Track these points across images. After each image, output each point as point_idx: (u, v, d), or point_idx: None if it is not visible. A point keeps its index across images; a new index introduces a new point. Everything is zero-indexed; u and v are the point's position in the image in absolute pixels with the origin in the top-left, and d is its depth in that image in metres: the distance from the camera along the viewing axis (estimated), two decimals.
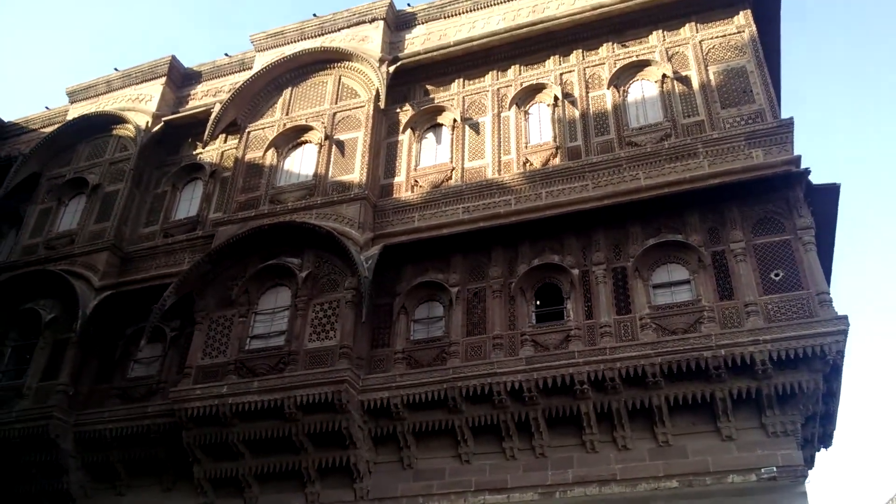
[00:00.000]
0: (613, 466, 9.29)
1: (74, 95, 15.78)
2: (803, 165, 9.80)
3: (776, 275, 9.45)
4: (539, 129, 11.88)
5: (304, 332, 10.78)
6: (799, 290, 9.22)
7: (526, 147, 11.68)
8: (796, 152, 9.96)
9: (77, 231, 13.48)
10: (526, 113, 12.12)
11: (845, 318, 8.73)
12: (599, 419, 9.50)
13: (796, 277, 9.34)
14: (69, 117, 15.27)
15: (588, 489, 8.96)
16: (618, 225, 10.53)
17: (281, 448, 10.37)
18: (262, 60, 14.08)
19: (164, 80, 15.08)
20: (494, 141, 11.91)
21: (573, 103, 11.83)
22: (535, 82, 12.23)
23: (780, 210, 9.86)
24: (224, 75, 15.07)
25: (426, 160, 12.27)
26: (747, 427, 9.00)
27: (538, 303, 10.66)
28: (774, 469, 8.29)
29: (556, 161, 11.30)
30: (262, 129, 13.35)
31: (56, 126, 15.26)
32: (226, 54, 15.29)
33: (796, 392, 8.79)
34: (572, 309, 10.13)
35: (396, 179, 12.19)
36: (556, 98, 11.87)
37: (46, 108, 16.84)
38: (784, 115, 11.03)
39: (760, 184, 9.90)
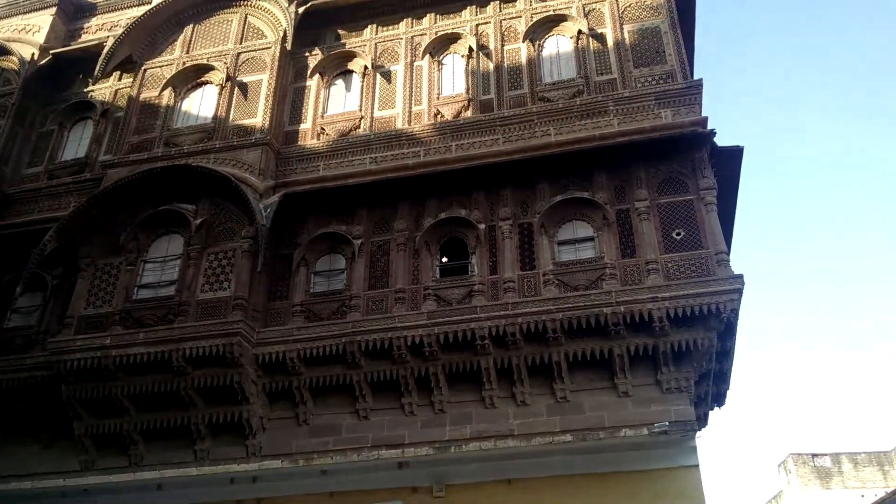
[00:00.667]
0: (511, 422, 9.21)
1: None
2: (710, 127, 9.83)
3: (678, 234, 9.48)
4: (452, 80, 11.54)
5: (196, 283, 10.21)
6: (698, 250, 9.29)
7: (438, 98, 11.33)
8: (704, 114, 9.99)
9: None
10: (440, 63, 11.74)
11: (741, 277, 8.84)
12: (500, 375, 9.39)
13: (697, 237, 9.40)
14: None
15: (483, 444, 8.83)
16: (526, 181, 10.35)
17: (169, 403, 9.85)
18: None
19: (54, 10, 14.00)
20: (406, 90, 11.50)
21: (488, 55, 11.53)
22: (450, 32, 11.86)
23: (685, 170, 9.88)
24: (121, 8, 14.09)
25: (334, 107, 11.76)
26: (643, 383, 9.06)
27: (445, 260, 10.42)
28: (666, 424, 8.36)
29: (468, 114, 11.01)
30: (160, 67, 12.52)
31: None
32: None
33: (691, 349, 8.88)
34: (477, 264, 9.93)
35: (302, 126, 11.65)
36: (470, 49, 11.54)
37: None
38: (696, 76, 11.08)
39: (667, 143, 9.88)
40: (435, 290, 9.82)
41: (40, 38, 13.53)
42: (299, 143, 11.41)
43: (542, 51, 11.41)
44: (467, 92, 11.20)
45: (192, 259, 10.39)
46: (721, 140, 9.90)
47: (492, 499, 8.81)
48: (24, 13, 13.95)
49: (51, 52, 13.20)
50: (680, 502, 8.18)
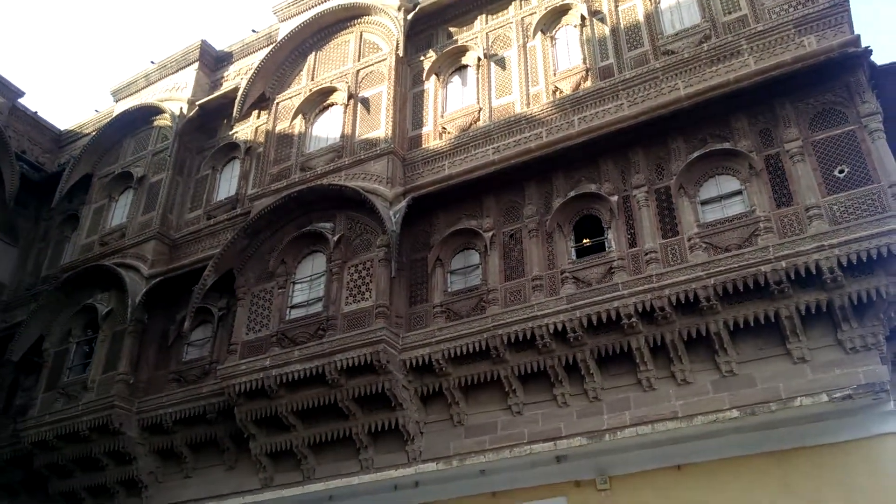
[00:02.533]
0: (674, 403, 8.44)
1: (118, 94, 16.00)
2: (864, 46, 8.51)
3: (840, 171, 8.27)
4: (567, 53, 10.97)
5: (340, 296, 10.43)
6: (868, 185, 8.03)
7: (554, 74, 10.81)
8: (855, 32, 8.67)
9: (127, 224, 13.66)
10: (552, 38, 11.22)
11: None
12: (654, 354, 8.67)
13: (864, 171, 8.13)
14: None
15: (641, 429, 8.14)
16: (658, 142, 9.57)
17: (330, 416, 10.10)
18: (286, 30, 13.73)
19: (196, 65, 15.03)
20: (521, 73, 11.09)
21: (601, 20, 10.84)
22: (559, 4, 11.27)
23: (841, 99, 8.62)
24: (254, 52, 14.84)
25: (453, 105, 11.60)
26: (822, 346, 7.95)
27: (585, 241, 9.82)
28: (850, 389, 7.22)
29: (588, 84, 10.38)
30: (290, 98, 13.04)
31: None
32: (253, 30, 15.11)
33: (874, 300, 7.66)
34: (614, 239, 9.28)
35: (424, 129, 11.60)
36: (582, 17, 10.91)
37: (96, 111, 17.29)
38: None
39: (815, 73, 8.69)
40: (572, 273, 9.30)
41: (188, 93, 14.62)
42: (423, 145, 11.37)
43: (659, 2, 10.53)
44: (584, 62, 10.59)
45: (334, 274, 10.64)
46: (879, 58, 8.57)
47: (661, 487, 8.11)
48: (173, 73, 15.16)
49: (197, 103, 14.22)
50: (876, 477, 7.01)
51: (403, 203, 10.51)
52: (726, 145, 9.00)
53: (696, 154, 9.11)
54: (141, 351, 12.33)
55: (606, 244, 9.33)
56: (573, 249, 9.60)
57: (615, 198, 9.44)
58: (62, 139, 17.56)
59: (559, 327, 8.88)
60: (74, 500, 12.24)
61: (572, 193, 9.75)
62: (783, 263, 7.92)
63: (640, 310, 8.53)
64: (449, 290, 10.17)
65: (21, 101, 16.70)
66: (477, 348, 9.31)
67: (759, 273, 8.00)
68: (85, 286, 13.20)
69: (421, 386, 9.78)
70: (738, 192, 8.80)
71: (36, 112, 17.36)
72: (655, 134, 9.53)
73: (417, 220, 10.77)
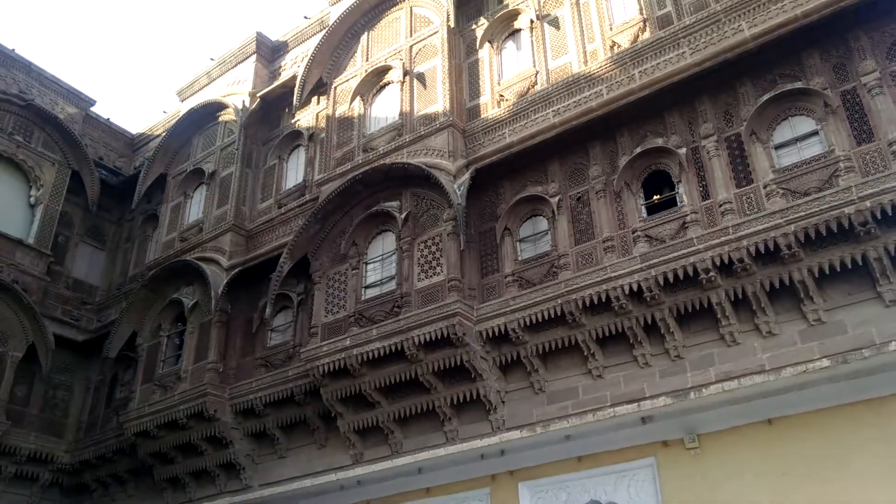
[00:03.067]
0: (760, 356, 8.20)
1: (183, 94, 16.49)
2: None
3: None
4: (623, 5, 10.60)
5: (412, 273, 10.53)
6: None
7: (611, 29, 10.50)
8: None
9: (203, 219, 14.13)
10: None
11: None
12: (736, 307, 8.43)
13: None
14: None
15: (726, 385, 7.95)
16: (725, 88, 9.22)
17: (412, 390, 10.27)
18: (336, 13, 13.78)
19: (254, 58, 15.31)
20: (576, 31, 10.83)
21: None
22: None
23: None
24: (308, 38, 14.98)
25: (508, 71, 11.44)
26: None
27: (655, 198, 9.60)
28: None
29: (646, 35, 10.04)
30: (347, 81, 13.13)
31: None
32: (305, 17, 15.24)
33: None
34: (685, 193, 9.03)
35: (482, 99, 11.50)
36: None
37: (164, 112, 17.87)
38: None
39: None
40: (644, 231, 9.11)
41: (248, 86, 14.92)
42: (482, 115, 11.27)
43: None
44: (641, 12, 10.23)
45: (405, 252, 10.74)
46: None
47: (752, 443, 7.92)
48: (232, 68, 15.49)
49: (258, 95, 14.50)
50: None
51: (467, 175, 10.49)
52: (798, 84, 8.60)
53: (766, 97, 8.73)
54: (228, 339, 12.80)
55: (678, 199, 9.09)
56: (643, 207, 9.39)
57: (683, 150, 9.17)
58: (135, 143, 18.25)
59: (634, 287, 8.73)
60: (178, 485, 12.91)
61: (638, 150, 9.52)
62: (868, 203, 7.54)
63: (717, 263, 8.29)
64: (519, 258, 10.13)
65: (93, 109, 17.39)
66: (552, 314, 9.25)
67: (843, 215, 7.65)
68: (170, 282, 13.76)
69: (499, 355, 9.82)
70: (815, 133, 8.41)
71: (108, 119, 18.08)
72: (721, 80, 9.19)
73: (482, 191, 10.75)
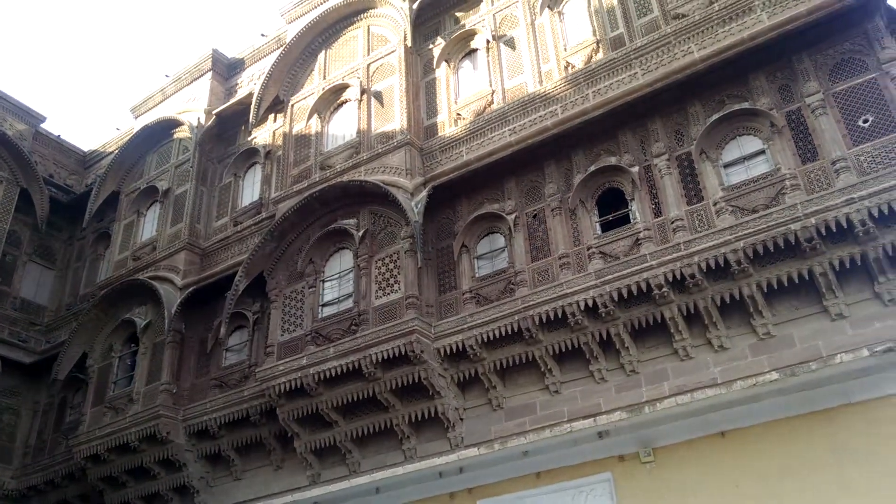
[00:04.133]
0: (712, 370, 8.37)
1: (137, 111, 16.22)
2: None
3: (864, 121, 8.08)
4: (576, 26, 10.84)
5: (370, 291, 10.50)
6: (894, 133, 7.83)
7: (565, 50, 10.69)
8: None
9: (157, 237, 13.89)
10: (560, 14, 11.08)
11: None
12: (689, 322, 8.59)
13: (889, 119, 7.94)
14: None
15: (680, 398, 8.08)
16: (676, 108, 9.45)
17: (370, 409, 10.21)
18: (293, 31, 13.76)
19: (210, 75, 15.17)
20: (532, 52, 10.99)
21: None
22: None
23: (859, 47, 8.42)
24: (265, 56, 14.93)
25: (465, 90, 11.55)
26: (859, 300, 7.81)
27: (609, 215, 9.75)
28: (891, 343, 7.08)
29: (599, 56, 10.25)
30: (304, 98, 13.10)
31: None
32: (262, 34, 15.19)
33: None
34: (638, 210, 9.20)
35: (439, 118, 11.57)
36: None
37: (117, 129, 17.58)
38: None
39: (831, 22, 8.48)
40: (598, 248, 9.25)
41: (204, 103, 14.76)
42: (439, 133, 11.34)
43: None
44: (594, 34, 10.45)
45: (362, 269, 10.71)
46: None
47: (705, 455, 8.06)
48: (187, 85, 15.32)
49: (213, 112, 14.36)
50: None
51: (424, 193, 10.53)
52: (745, 105, 8.86)
53: (715, 116, 8.98)
54: (181, 360, 12.57)
55: (631, 216, 9.26)
56: (598, 224, 9.54)
57: (636, 168, 9.35)
58: (87, 160, 17.89)
59: (590, 303, 8.84)
60: None
61: (592, 168, 9.68)
62: (813, 220, 7.78)
63: (670, 279, 8.45)
64: (477, 275, 10.19)
65: (43, 126, 17.02)
66: (509, 331, 9.31)
67: (790, 231, 7.88)
68: (122, 301, 13.47)
69: (457, 372, 9.82)
70: (762, 152, 8.66)
71: (59, 136, 17.69)
72: (672, 100, 9.41)
73: (440, 208, 10.80)
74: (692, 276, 8.33)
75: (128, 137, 15.94)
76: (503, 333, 9.33)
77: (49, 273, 16.43)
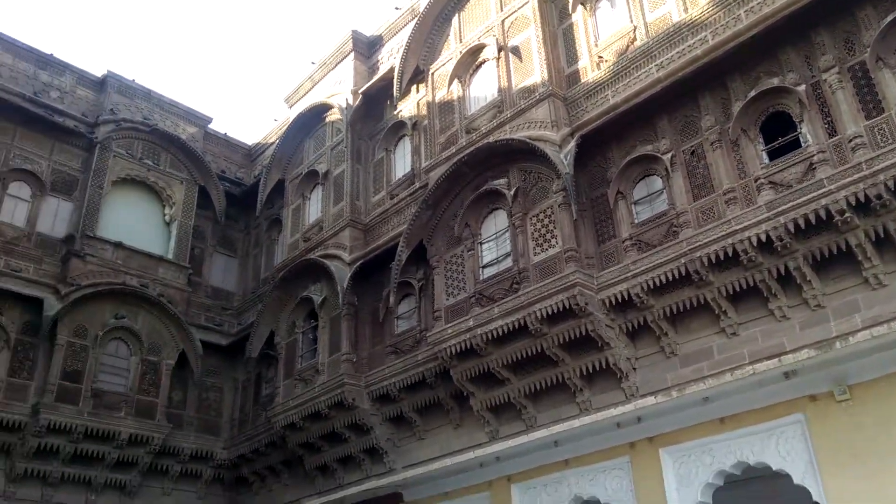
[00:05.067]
0: None
1: (290, 100, 17.14)
2: None
3: None
4: None
5: (527, 248, 10.50)
6: None
7: None
8: None
9: (322, 218, 14.67)
10: None
11: None
12: (878, 248, 7.84)
13: None
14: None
15: (875, 331, 7.42)
16: (843, 15, 8.55)
17: (540, 364, 10.26)
18: (425, 0, 13.86)
19: (352, 56, 15.65)
20: None
21: None
22: None
23: None
24: (401, 29, 15.16)
25: (605, 31, 11.09)
26: None
27: (776, 142, 9.06)
28: None
29: None
30: (443, 65, 13.19)
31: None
32: (396, 8, 15.41)
33: None
34: (809, 132, 8.47)
35: (580, 64, 11.22)
36: None
37: (275, 120, 18.65)
38: None
39: None
40: (767, 178, 8.63)
41: (350, 84, 15.28)
42: (582, 80, 11.01)
43: None
44: None
45: (517, 228, 10.72)
46: None
47: None
48: (333, 69, 15.92)
49: (360, 92, 14.84)
50: None
51: (573, 143, 10.32)
52: None
53: (890, 18, 8.02)
54: (358, 330, 13.29)
55: (801, 139, 8.55)
56: (764, 153, 8.90)
57: (803, 87, 8.59)
58: (252, 153, 19.16)
59: (763, 238, 8.29)
60: (327, 471, 13.56)
61: (753, 93, 9.01)
62: None
63: (853, 203, 7.73)
64: (636, 221, 9.88)
65: (211, 126, 18.38)
66: (676, 275, 8.97)
67: None
68: (299, 281, 14.42)
69: (625, 322, 9.63)
70: None
71: (226, 133, 19.07)
72: (837, 7, 8.52)
73: (590, 157, 10.55)
74: (878, 196, 7.57)
75: (285, 127, 16.87)
76: (670, 278, 9.01)
77: (232, 261, 17.89)
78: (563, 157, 10.15)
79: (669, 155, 9.63)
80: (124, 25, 40.79)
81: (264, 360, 15.37)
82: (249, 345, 15.06)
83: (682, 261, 8.89)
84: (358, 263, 13.32)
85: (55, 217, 15.05)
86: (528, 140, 10.58)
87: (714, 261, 8.68)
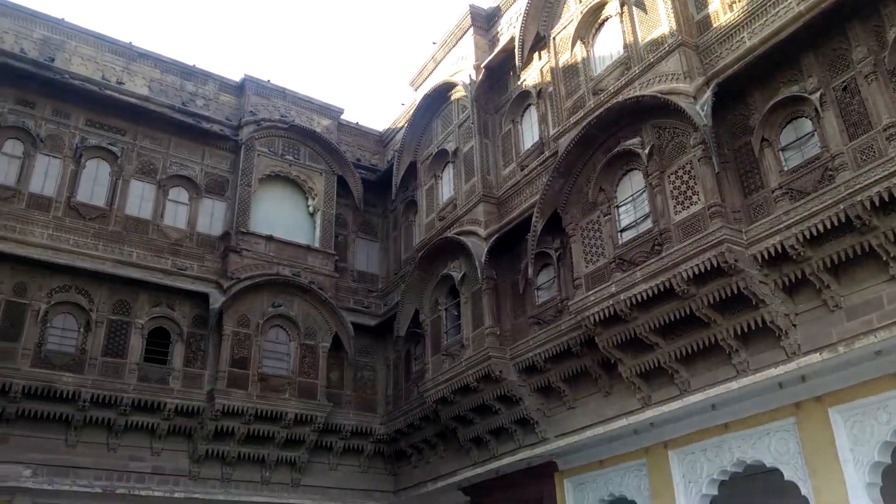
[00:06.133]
0: None
1: (415, 82, 17.42)
2: None
3: None
4: None
5: (667, 207, 10.12)
6: None
7: None
8: None
9: (455, 195, 14.85)
10: None
11: None
12: None
13: None
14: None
15: None
16: None
17: (690, 327, 9.90)
18: None
19: (471, 31, 15.62)
20: None
21: None
22: None
23: None
24: None
25: None
26: None
27: None
28: None
29: None
30: (564, 28, 12.88)
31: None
32: None
33: None
34: None
35: (710, 8, 10.58)
36: None
37: (402, 104, 19.02)
38: None
39: None
40: None
41: (471, 60, 15.27)
42: (714, 25, 10.40)
43: None
44: None
45: (655, 187, 10.35)
46: None
47: None
48: (453, 46, 15.98)
49: (482, 66, 14.81)
50: None
51: (709, 93, 9.78)
52: None
53: None
54: (499, 304, 13.39)
55: None
56: None
57: None
58: (384, 139, 19.67)
59: None
60: (481, 443, 13.83)
61: None
62: None
63: None
64: (785, 168, 9.26)
65: (343, 117, 19.00)
66: (835, 222, 8.32)
67: None
68: (438, 259, 14.71)
69: (780, 277, 9.08)
70: None
71: (357, 123, 19.67)
72: None
73: (729, 105, 9.97)
74: None
75: (412, 110, 17.16)
76: (828, 226, 8.38)
77: (374, 245, 18.53)
78: (700, 109, 9.66)
79: (818, 94, 8.92)
80: (254, 30, 42.96)
81: (412, 337, 15.86)
82: (396, 324, 15.60)
83: (842, 206, 8.24)
84: (494, 238, 13.39)
85: (211, 217, 16.20)
86: (659, 95, 10.15)
87: (878, 203, 7.98)
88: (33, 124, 14.62)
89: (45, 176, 14.49)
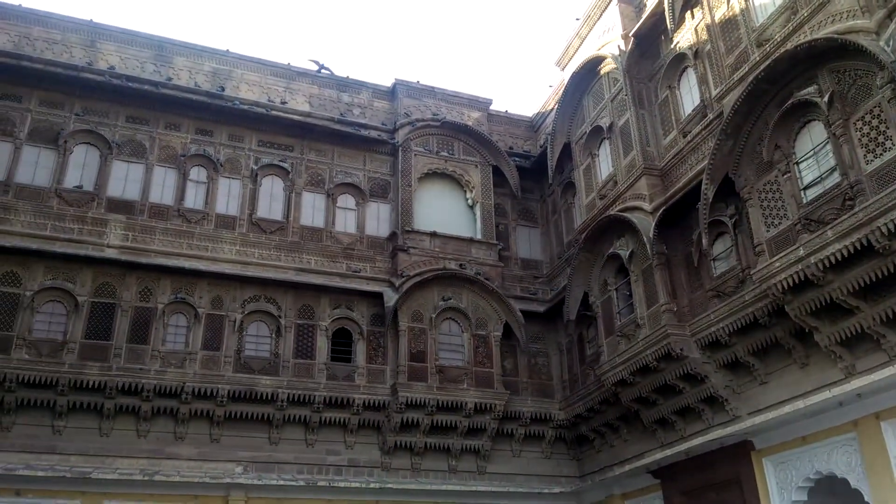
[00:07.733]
0: None
1: (561, 62, 17.14)
2: None
3: None
4: None
5: (856, 157, 9.24)
6: None
7: None
8: None
9: (615, 172, 14.44)
10: None
11: None
12: None
13: None
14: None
15: None
16: None
17: (895, 286, 8.99)
18: None
19: (615, 1, 15.12)
20: None
21: None
22: None
23: None
24: None
25: None
26: None
27: None
28: None
29: None
30: None
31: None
32: None
33: None
34: None
35: None
36: None
37: (549, 86, 18.77)
38: None
39: None
40: None
41: (619, 30, 14.74)
42: None
43: None
44: None
45: (840, 137, 9.48)
46: None
47: None
48: (598, 20, 15.52)
49: (630, 35, 14.27)
50: None
51: (893, 25, 8.80)
52: None
53: None
54: (672, 279, 12.87)
55: None
56: None
57: None
58: (534, 124, 19.51)
59: None
60: (667, 424, 13.36)
61: None
62: None
63: None
64: None
65: (491, 108, 19.05)
66: None
67: None
68: (602, 239, 14.39)
69: None
70: None
71: (506, 111, 19.64)
72: None
73: None
74: None
75: (561, 90, 16.88)
76: None
77: (535, 231, 18.46)
78: (885, 45, 8.71)
79: None
80: (396, 34, 44.17)
81: (582, 320, 15.63)
82: (566, 308, 15.43)
83: None
84: (660, 211, 12.87)
85: (378, 219, 16.86)
86: (836, 36, 9.27)
87: None
88: (213, 150, 15.92)
89: (228, 196, 15.75)
